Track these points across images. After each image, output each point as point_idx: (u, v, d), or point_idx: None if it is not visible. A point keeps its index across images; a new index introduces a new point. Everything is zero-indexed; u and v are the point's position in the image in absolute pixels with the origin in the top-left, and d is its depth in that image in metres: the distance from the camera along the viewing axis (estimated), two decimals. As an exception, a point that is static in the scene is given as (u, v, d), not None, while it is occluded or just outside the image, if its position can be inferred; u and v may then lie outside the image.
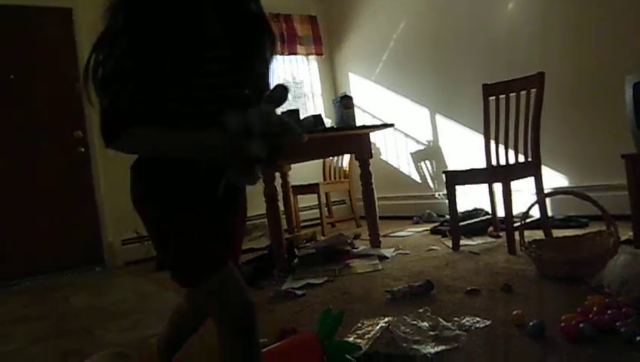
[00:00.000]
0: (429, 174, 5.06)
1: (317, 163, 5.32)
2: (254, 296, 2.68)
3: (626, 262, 1.88)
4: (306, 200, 5.10)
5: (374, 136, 5.30)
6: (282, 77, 5.89)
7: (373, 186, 3.57)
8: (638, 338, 1.45)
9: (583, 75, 3.63)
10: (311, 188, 4.74)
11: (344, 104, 3.77)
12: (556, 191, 2.83)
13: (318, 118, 3.55)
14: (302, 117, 3.43)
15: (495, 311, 1.92)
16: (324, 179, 5.26)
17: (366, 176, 3.55)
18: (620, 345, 1.49)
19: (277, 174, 3.23)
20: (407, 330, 1.77)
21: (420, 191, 5.13)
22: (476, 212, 4.10)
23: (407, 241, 3.78)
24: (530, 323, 1.65)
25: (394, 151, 5.39)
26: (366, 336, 1.82)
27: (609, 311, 1.66)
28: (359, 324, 1.95)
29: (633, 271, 1.83)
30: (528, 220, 3.19)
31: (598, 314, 1.65)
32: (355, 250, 3.40)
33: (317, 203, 4.69)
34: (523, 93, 3.22)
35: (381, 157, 5.46)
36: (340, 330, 1.86)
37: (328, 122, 3.68)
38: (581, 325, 1.57)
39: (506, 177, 2.97)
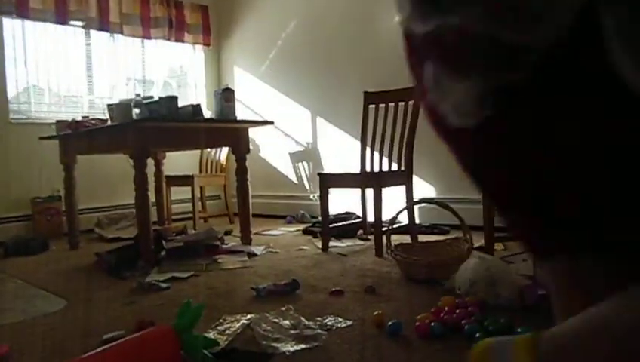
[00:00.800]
0: (306, 176, 5.11)
1: (193, 154, 5.15)
2: (116, 286, 2.51)
3: (475, 266, 2.02)
4: (180, 192, 4.91)
5: (254, 133, 5.26)
6: (167, 64, 5.65)
7: (249, 182, 3.54)
8: (477, 334, 1.57)
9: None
10: (185, 180, 4.58)
11: (225, 97, 3.68)
12: (423, 200, 2.98)
13: (197, 108, 3.42)
14: (180, 105, 3.29)
15: (357, 311, 1.97)
16: (200, 172, 5.10)
17: (242, 171, 3.50)
18: (463, 341, 1.60)
19: (150, 161, 3.06)
20: (268, 328, 1.75)
21: (296, 192, 5.17)
22: (348, 215, 4.21)
23: (279, 240, 3.79)
24: (389, 323, 1.71)
25: (273, 150, 5.38)
26: (226, 332, 1.77)
27: (457, 311, 1.78)
28: (221, 320, 1.90)
29: (480, 274, 1.97)
30: (397, 225, 3.34)
31: (448, 314, 1.76)
32: (224, 246, 3.34)
33: (191, 196, 4.53)
34: (402, 104, 3.35)
35: (260, 154, 5.42)
36: (201, 325, 1.79)
37: (208, 114, 3.58)
38: (432, 324, 1.66)
39: (377, 184, 3.08)
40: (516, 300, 1.90)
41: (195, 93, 5.87)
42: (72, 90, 4.91)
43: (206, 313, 1.97)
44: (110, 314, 2.07)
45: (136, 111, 3.26)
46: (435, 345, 1.57)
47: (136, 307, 2.15)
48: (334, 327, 1.79)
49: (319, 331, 1.73)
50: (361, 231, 3.71)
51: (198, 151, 5.15)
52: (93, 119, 3.71)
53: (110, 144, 3.36)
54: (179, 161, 5.00)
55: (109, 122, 3.47)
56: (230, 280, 2.58)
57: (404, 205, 3.06)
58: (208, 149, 5.08)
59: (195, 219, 4.51)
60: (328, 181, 3.28)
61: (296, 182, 5.20)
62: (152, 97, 3.41)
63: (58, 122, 3.83)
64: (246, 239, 3.53)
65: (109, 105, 3.50)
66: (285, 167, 5.29)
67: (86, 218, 4.46)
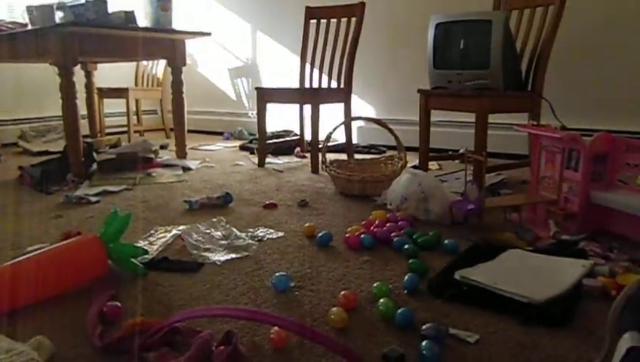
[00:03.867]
0: (245, 92, 4.97)
1: (129, 67, 4.86)
2: (41, 201, 2.39)
3: (407, 182, 2.04)
4: (114, 105, 4.66)
5: (192, 47, 5.01)
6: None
7: (184, 95, 3.39)
8: (405, 246, 1.61)
9: (398, 11, 3.79)
10: (120, 93, 4.33)
11: (162, 5, 3.42)
12: (360, 117, 2.96)
13: (130, 15, 3.17)
14: (111, 10, 3.03)
15: (289, 224, 1.97)
16: (136, 85, 4.84)
17: (177, 84, 3.35)
18: (391, 253, 1.64)
19: (79, 70, 2.83)
20: (199, 238, 1.73)
21: (235, 109, 5.04)
22: (286, 132, 4.16)
23: (215, 155, 3.73)
24: (319, 234, 1.72)
25: (212, 65, 5.16)
26: (157, 243, 1.74)
27: (388, 224, 1.81)
28: (152, 231, 1.87)
29: (412, 190, 2.00)
30: (334, 143, 3.33)
31: (379, 227, 1.78)
32: (159, 159, 3.23)
33: (125, 109, 4.32)
34: (344, 20, 3.25)
35: (198, 70, 5.19)
36: (132, 237, 1.78)
37: (143, 22, 3.33)
38: (362, 236, 1.68)
39: (316, 100, 3.02)
40: (446, 216, 1.95)
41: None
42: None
43: (137, 225, 1.94)
44: (35, 228, 1.97)
45: (59, 14, 2.97)
46: (363, 256, 1.60)
47: (64, 221, 2.06)
48: (265, 238, 1.79)
49: (250, 241, 1.73)
50: (298, 149, 3.69)
51: (133, 64, 4.86)
52: (10, 22, 3.37)
53: (31, 51, 3.07)
54: (113, 74, 4.71)
55: (29, 26, 3.17)
56: (163, 193, 2.51)
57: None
58: (145, 62, 4.80)
59: (129, 132, 4.32)
60: (266, 95, 3.20)
61: (234, 98, 5.06)
62: (78, -1, 3.12)
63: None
64: (181, 153, 3.45)
65: (28, 8, 3.17)
66: (224, 83, 5.11)
67: (9, 130, 4.18)
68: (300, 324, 0.85)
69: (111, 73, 4.67)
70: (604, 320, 0.88)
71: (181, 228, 1.88)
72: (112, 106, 4.70)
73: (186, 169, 3.12)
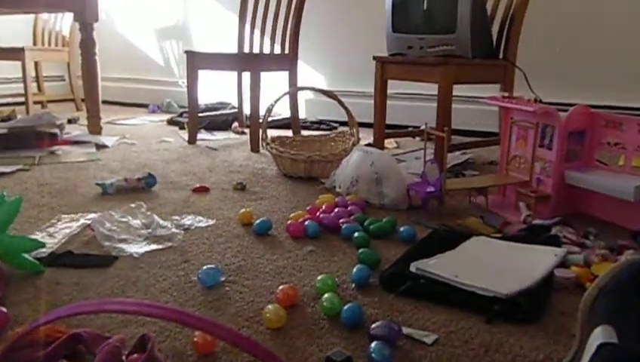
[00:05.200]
0: (174, 57, 4.87)
1: (25, 21, 4.58)
2: None
3: (359, 161, 2.04)
4: (7, 69, 4.45)
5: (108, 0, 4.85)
6: None
7: (97, 58, 3.27)
8: (355, 234, 1.60)
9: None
10: (13, 53, 4.13)
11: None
12: (307, 87, 2.94)
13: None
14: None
15: (223, 210, 1.94)
16: (35, 44, 4.59)
17: (87, 44, 3.22)
18: (339, 242, 1.63)
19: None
20: (114, 228, 1.67)
21: (161, 76, 4.94)
22: (221, 105, 4.12)
23: (137, 131, 3.65)
24: (256, 222, 1.70)
25: (134, 24, 5.01)
26: (58, 234, 1.66)
27: (336, 210, 1.80)
28: (53, 221, 1.78)
29: (363, 171, 2.00)
30: (277, 118, 3.30)
31: (325, 213, 1.77)
32: (66, 135, 3.12)
33: (22, 74, 4.13)
34: (288, -27, 3.21)
35: (116, 28, 5.03)
36: (26, 228, 1.69)
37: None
38: (306, 223, 1.67)
39: (256, 67, 2.99)
40: (402, 200, 1.96)
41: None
42: None
43: (34, 213, 1.87)
44: None
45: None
46: (307, 246, 1.59)
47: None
48: (193, 227, 1.76)
49: (175, 231, 1.69)
50: (235, 124, 3.65)
51: (30, 18, 4.60)
52: None
53: None
54: (4, 29, 4.48)
55: None
56: (70, 175, 2.42)
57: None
58: (45, 15, 4.55)
59: (28, 103, 4.15)
60: (198, 61, 3.13)
61: (161, 64, 4.96)
62: None
63: None
64: (94, 128, 3.35)
65: None
66: (149, 47, 4.98)
67: None
68: (210, 322, 0.81)
69: (1, 28, 4.43)
70: (576, 313, 0.90)
71: (91, 216, 1.81)
72: (5, 70, 4.48)
73: (100, 146, 3.04)
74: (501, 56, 2.58)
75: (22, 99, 4.23)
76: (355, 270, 1.34)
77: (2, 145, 2.82)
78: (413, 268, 1.35)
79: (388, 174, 1.98)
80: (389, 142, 3.16)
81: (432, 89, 2.44)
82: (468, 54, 2.39)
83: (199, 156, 2.88)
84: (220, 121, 3.66)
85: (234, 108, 3.85)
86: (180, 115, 4.06)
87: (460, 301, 1.21)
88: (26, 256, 1.39)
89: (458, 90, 2.41)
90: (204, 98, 3.84)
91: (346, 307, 1.14)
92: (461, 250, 1.48)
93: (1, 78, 4.55)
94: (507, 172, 2.02)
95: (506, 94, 2.05)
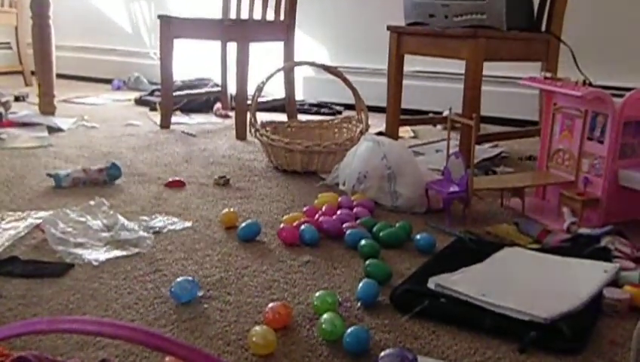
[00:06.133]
0: (145, 24, 4.88)
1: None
2: None
3: (368, 153, 2.04)
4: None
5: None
6: None
7: (51, 22, 3.28)
8: (362, 241, 1.60)
9: None
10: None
11: None
12: (306, 62, 2.93)
13: None
14: None
15: (201, 210, 1.95)
16: (-24, 5, 4.61)
17: (40, 3, 3.23)
18: (342, 251, 1.63)
19: None
20: (69, 229, 1.68)
21: (129, 46, 4.95)
22: (201, 82, 4.11)
23: (99, 112, 3.67)
24: (242, 225, 1.70)
25: (96, -19, 5.03)
26: (1, 236, 1.67)
27: (339, 212, 1.81)
28: (-4, 219, 1.79)
29: (373, 165, 2.00)
30: (269, 99, 3.30)
31: (326, 215, 1.77)
32: (12, 116, 3.14)
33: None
34: None
35: (75, -13, 5.05)
36: None
37: None
38: (302, 227, 1.67)
39: (244, 36, 2.98)
40: (419, 201, 1.96)
41: None
42: None
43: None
44: None
45: None
46: (303, 255, 1.59)
47: None
48: (165, 229, 1.77)
49: (143, 234, 1.70)
50: (218, 105, 3.65)
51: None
52: None
53: None
54: None
55: None
56: (16, 163, 2.44)
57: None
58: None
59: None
60: (174, 28, 3.13)
61: (129, 31, 4.97)
62: None
63: None
64: (47, 107, 3.37)
65: None
66: (113, 9, 5.00)
67: None
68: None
69: None
70: (630, 343, 0.90)
71: (41, 214, 1.82)
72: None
73: (53, 130, 3.06)
74: (543, 28, 2.58)
75: (-41, 70, 4.24)
76: (360, 285, 1.34)
77: None
78: (431, 284, 1.35)
79: (403, 170, 1.98)
80: (405, 131, 3.16)
81: (458, 67, 2.44)
82: (502, 25, 2.38)
83: (174, 143, 2.88)
84: (200, 101, 3.65)
85: (216, 86, 3.85)
86: (151, 94, 4.05)
87: (489, 325, 1.21)
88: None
89: (489, 68, 2.41)
90: (181, 73, 3.83)
91: (349, 330, 1.14)
92: (490, 264, 1.48)
93: None
94: (548, 169, 2.02)
95: (549, 75, 2.05)
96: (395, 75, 2.73)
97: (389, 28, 2.72)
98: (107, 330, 0.83)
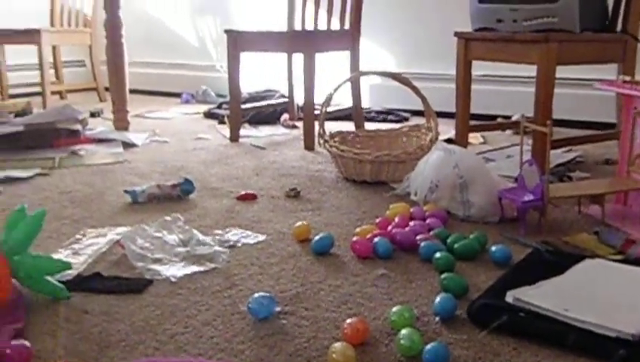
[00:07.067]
0: (211, 38, 4.95)
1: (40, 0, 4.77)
2: None
3: (439, 162, 2.02)
4: (21, 54, 4.62)
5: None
6: None
7: (124, 40, 3.36)
8: (437, 254, 1.58)
9: None
10: (28, 36, 4.29)
11: None
12: (373, 72, 2.93)
13: None
14: None
15: (273, 223, 1.96)
16: (52, 25, 4.77)
17: (113, 23, 3.33)
18: (417, 263, 1.62)
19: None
20: (147, 245, 1.71)
21: (196, 60, 5.03)
22: (269, 93, 4.15)
23: (169, 126, 3.73)
24: (316, 238, 1.71)
25: (164, 1, 5.13)
26: (85, 252, 1.72)
27: (412, 223, 1.79)
28: (78, 236, 1.85)
29: (445, 174, 1.98)
30: (337, 109, 3.32)
31: (399, 227, 1.77)
32: (89, 132, 3.23)
33: (38, 60, 4.28)
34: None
35: (144, 6, 5.16)
36: (47, 243, 1.76)
37: None
38: (375, 240, 1.66)
39: (310, 47, 3.00)
40: (493, 210, 1.93)
41: None
42: None
43: (56, 227, 1.93)
44: None
45: None
46: (378, 268, 1.58)
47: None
48: (240, 244, 1.78)
49: (218, 249, 1.72)
50: (286, 116, 3.67)
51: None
52: None
53: None
54: (17, 8, 4.65)
55: None
56: (95, 180, 2.50)
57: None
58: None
59: (44, 93, 4.31)
60: (241, 41, 3.17)
61: (196, 45, 5.04)
62: None
63: None
64: (121, 123, 3.45)
65: None
66: (181, 25, 5.09)
67: None
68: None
69: (14, 7, 4.60)
70: None
71: (120, 230, 1.86)
72: (18, 56, 4.66)
73: (128, 145, 3.11)
74: (619, 29, 2.51)
75: (38, 88, 4.38)
76: (438, 300, 1.33)
77: (17, 144, 2.94)
78: (509, 298, 1.32)
79: (475, 178, 1.96)
80: (474, 137, 3.12)
81: (528, 70, 2.40)
82: (575, 28, 2.33)
83: (243, 156, 2.91)
84: (267, 113, 3.68)
85: (283, 97, 3.88)
86: (219, 107, 4.10)
87: (573, 341, 1.18)
88: (50, 279, 1.44)
89: (562, 70, 2.36)
90: (248, 86, 3.88)
91: (428, 347, 1.13)
92: (571, 276, 1.45)
93: (14, 64, 4.71)
94: (629, 174, 1.96)
95: (628, 78, 1.99)
96: (464, 82, 2.70)
97: (456, 34, 2.69)
98: None
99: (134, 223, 1.88)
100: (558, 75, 2.34)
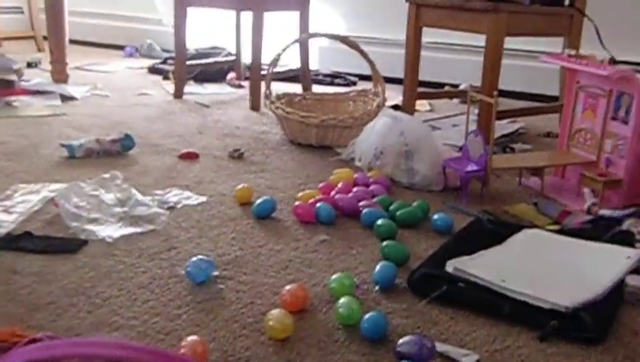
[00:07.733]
0: (158, -11, 4.83)
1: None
2: None
3: (385, 129, 2.02)
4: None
5: None
6: None
7: (64, -11, 3.25)
8: (379, 221, 1.59)
9: None
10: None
11: None
12: (321, 34, 2.89)
13: None
14: None
15: (215, 184, 1.95)
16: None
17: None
18: (359, 230, 1.63)
19: None
20: (82, 204, 1.67)
21: (142, 13, 4.90)
22: (215, 51, 4.08)
23: (112, 80, 3.65)
24: (258, 201, 1.70)
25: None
26: (15, 210, 1.67)
27: (355, 189, 1.80)
28: (9, 192, 1.79)
29: (390, 141, 1.98)
30: (285, 69, 3.28)
31: (342, 192, 1.76)
32: (25, 84, 3.12)
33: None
34: None
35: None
36: None
37: None
38: (318, 205, 1.66)
39: (259, 5, 2.94)
40: (437, 179, 1.95)
41: None
42: None
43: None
44: None
45: None
46: (319, 234, 1.58)
47: None
48: (180, 205, 1.76)
49: (157, 210, 1.69)
50: (232, 75, 3.63)
51: None
52: None
53: None
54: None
55: None
56: (29, 132, 2.44)
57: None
58: None
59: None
60: (187, -5, 3.10)
61: (142, -3, 4.92)
62: None
63: None
64: (60, 75, 3.35)
65: None
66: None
67: None
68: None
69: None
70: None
71: (55, 186, 1.82)
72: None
73: (66, 98, 3.04)
74: (567, 2, 2.53)
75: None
76: (378, 268, 1.33)
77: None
78: (450, 267, 1.34)
79: (420, 147, 1.97)
80: (421, 104, 3.12)
81: (477, 39, 2.40)
82: (525, -1, 2.35)
83: (187, 114, 2.87)
84: (213, 70, 3.62)
85: (230, 55, 3.83)
86: (164, 62, 4.04)
87: (508, 312, 1.20)
88: (-24, 237, 1.40)
89: (509, 41, 2.37)
90: (194, 42, 3.82)
91: (367, 316, 1.13)
92: (509, 247, 1.47)
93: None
94: (569, 148, 1.99)
95: (573, 52, 2.01)
96: (413, 48, 2.69)
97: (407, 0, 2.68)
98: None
99: (70, 180, 1.84)
100: (506, 46, 2.35)
